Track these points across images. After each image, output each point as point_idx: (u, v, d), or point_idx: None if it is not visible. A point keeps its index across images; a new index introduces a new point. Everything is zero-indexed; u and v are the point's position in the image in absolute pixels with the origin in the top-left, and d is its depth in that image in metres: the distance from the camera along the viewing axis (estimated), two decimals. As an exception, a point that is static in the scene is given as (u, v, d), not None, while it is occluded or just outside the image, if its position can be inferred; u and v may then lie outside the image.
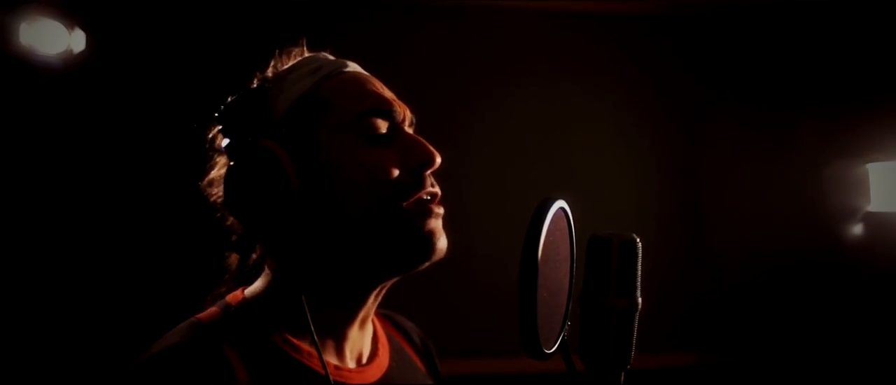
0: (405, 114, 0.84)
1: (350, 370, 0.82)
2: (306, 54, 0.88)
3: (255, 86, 0.84)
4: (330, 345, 0.81)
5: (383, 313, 1.01)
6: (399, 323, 1.03)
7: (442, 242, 0.78)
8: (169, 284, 2.16)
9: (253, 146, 0.74)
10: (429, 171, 0.80)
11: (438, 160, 0.79)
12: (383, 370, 0.87)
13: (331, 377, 0.75)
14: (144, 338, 0.79)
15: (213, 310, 0.81)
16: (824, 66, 2.42)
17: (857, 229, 2.32)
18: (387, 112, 0.80)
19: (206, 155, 0.87)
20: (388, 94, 0.84)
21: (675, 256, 2.39)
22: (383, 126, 0.80)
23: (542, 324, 0.56)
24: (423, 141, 0.80)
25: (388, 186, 0.76)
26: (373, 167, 0.76)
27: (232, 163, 0.76)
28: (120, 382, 0.70)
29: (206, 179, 0.87)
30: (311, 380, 0.76)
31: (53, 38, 2.10)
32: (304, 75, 0.82)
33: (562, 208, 0.60)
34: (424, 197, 0.78)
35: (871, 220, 2.31)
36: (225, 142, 0.82)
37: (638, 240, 0.55)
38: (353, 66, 0.87)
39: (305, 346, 0.78)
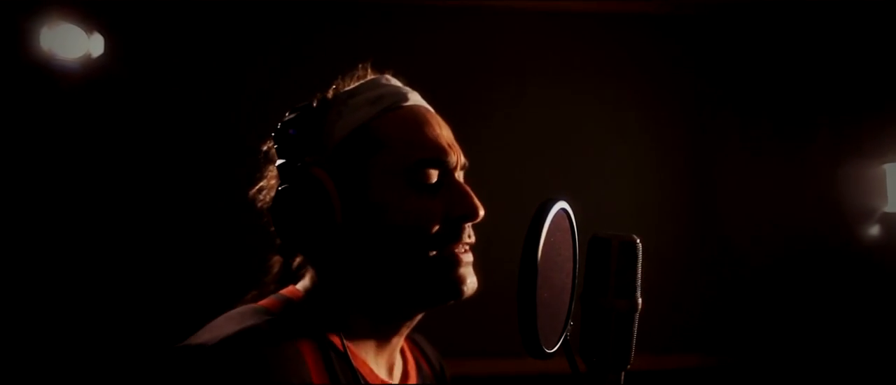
0: (458, 160, 0.84)
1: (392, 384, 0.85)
2: (370, 76, 0.89)
3: (314, 105, 0.84)
4: (372, 358, 0.83)
5: (410, 336, 1.02)
6: (421, 345, 1.05)
7: (469, 285, 0.80)
8: (180, 285, 2.20)
9: (305, 173, 0.77)
10: (470, 223, 0.82)
11: (482, 214, 0.81)
12: None
13: None
14: (165, 334, 0.80)
15: (271, 300, 0.82)
16: (841, 66, 2.40)
17: (874, 230, 2.30)
18: (441, 162, 0.81)
19: (259, 163, 0.89)
20: (444, 138, 0.84)
21: (683, 257, 2.39)
22: (434, 175, 0.81)
23: (544, 323, 0.56)
24: (470, 193, 0.81)
25: (427, 236, 0.78)
26: (417, 217, 0.78)
27: (283, 184, 0.79)
28: (197, 359, 0.68)
29: (256, 188, 0.89)
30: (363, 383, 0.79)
31: (73, 43, 2.14)
32: (362, 104, 0.83)
33: (563, 209, 0.60)
34: (457, 248, 0.80)
35: (889, 221, 2.29)
36: (279, 160, 0.83)
37: (638, 241, 0.56)
38: (413, 99, 0.87)
39: (358, 353, 0.81)
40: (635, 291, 0.55)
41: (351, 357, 0.78)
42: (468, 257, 0.81)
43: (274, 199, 0.79)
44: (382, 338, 0.84)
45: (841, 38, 2.40)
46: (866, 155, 2.31)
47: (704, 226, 2.43)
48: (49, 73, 2.17)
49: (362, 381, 0.79)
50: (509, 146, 2.37)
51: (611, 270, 0.55)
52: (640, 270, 0.56)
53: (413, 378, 0.92)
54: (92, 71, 2.21)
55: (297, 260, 0.87)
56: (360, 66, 0.89)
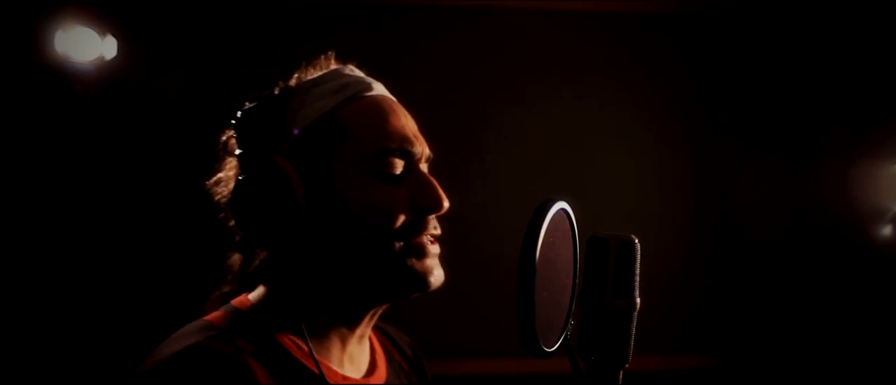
0: (423, 151, 0.83)
1: (355, 380, 0.83)
2: (333, 66, 0.87)
3: (275, 93, 0.83)
4: (335, 355, 0.82)
5: (377, 325, 1.00)
6: (390, 335, 1.04)
7: (435, 278, 0.79)
8: (192, 285, 2.22)
9: (267, 162, 0.75)
10: (434, 215, 0.81)
11: (446, 205, 0.80)
12: (383, 381, 0.88)
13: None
14: (148, 337, 0.79)
15: (219, 313, 0.80)
16: (849, 65, 2.38)
17: (884, 231, 2.28)
18: (406, 152, 0.80)
19: (218, 155, 0.86)
20: (409, 128, 0.82)
21: (688, 258, 2.39)
22: (399, 166, 0.79)
23: (543, 322, 0.57)
24: (435, 184, 0.80)
25: (391, 227, 0.76)
26: (381, 206, 0.76)
27: (243, 174, 0.77)
28: (145, 381, 0.69)
29: (214, 179, 0.86)
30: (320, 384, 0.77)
31: (87, 46, 2.17)
32: (326, 93, 0.81)
33: (563, 209, 0.61)
34: (424, 239, 0.79)
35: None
36: (238, 149, 0.81)
37: (636, 241, 0.56)
38: (378, 89, 0.85)
39: (318, 352, 0.79)
40: (633, 291, 0.55)
41: (304, 357, 0.77)
42: (435, 248, 0.80)
43: (234, 189, 0.77)
44: (346, 333, 0.82)
45: (848, 36, 2.38)
46: (875, 154, 2.29)
47: (709, 226, 2.42)
48: (64, 76, 2.20)
49: (319, 380, 0.77)
50: (512, 146, 2.37)
51: (609, 270, 0.55)
52: (638, 270, 0.56)
53: (381, 369, 0.90)
54: (105, 73, 2.24)
55: (258, 258, 0.84)
56: (322, 56, 0.87)
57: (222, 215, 0.85)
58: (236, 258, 0.88)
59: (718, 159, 2.44)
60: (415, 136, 0.82)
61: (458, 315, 2.14)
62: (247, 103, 0.82)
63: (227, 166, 0.86)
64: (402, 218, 0.77)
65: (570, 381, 0.62)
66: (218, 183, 0.86)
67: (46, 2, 2.16)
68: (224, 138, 0.86)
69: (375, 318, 0.85)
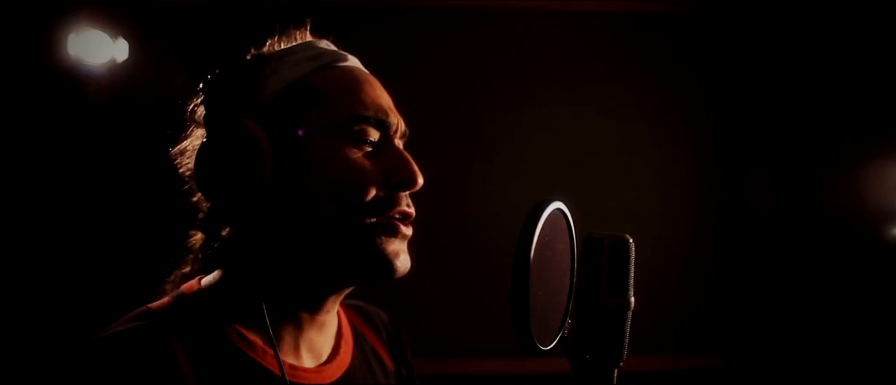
0: (399, 125, 0.80)
1: (307, 370, 0.78)
2: (308, 38, 0.84)
3: (247, 59, 0.79)
4: (287, 342, 0.78)
5: (352, 304, 0.97)
6: (368, 314, 0.99)
7: (402, 263, 0.75)
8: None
9: (234, 124, 0.71)
10: (407, 192, 0.77)
11: (420, 182, 0.76)
12: (343, 369, 0.83)
13: (286, 377, 0.73)
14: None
15: (165, 299, 0.78)
16: (857, 64, 2.37)
17: (892, 231, 2.26)
18: (381, 122, 0.76)
19: (183, 125, 0.83)
20: (385, 100, 0.79)
21: (696, 258, 2.39)
22: (374, 135, 0.76)
23: (539, 321, 0.58)
24: (410, 159, 0.77)
25: (361, 199, 0.72)
26: (352, 176, 0.73)
27: (208, 136, 0.74)
28: (60, 365, 0.68)
29: (178, 147, 0.83)
30: (264, 378, 0.73)
31: (99, 49, 2.20)
32: (301, 60, 0.78)
33: (559, 209, 0.61)
34: (395, 217, 0.75)
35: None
36: (203, 113, 0.77)
37: (630, 240, 0.57)
38: (353, 61, 0.83)
39: (260, 343, 0.75)
40: (628, 290, 0.56)
41: (246, 347, 0.73)
42: (407, 229, 0.76)
43: (198, 152, 0.72)
44: (305, 318, 0.78)
45: (852, 36, 2.36)
46: (880, 154, 2.28)
47: (713, 226, 2.42)
48: (76, 79, 2.23)
49: (262, 374, 0.73)
50: (515, 146, 2.37)
51: (603, 269, 0.56)
52: (632, 270, 0.57)
53: (344, 356, 0.85)
54: (117, 75, 2.27)
55: (217, 241, 0.80)
56: (294, 29, 0.85)
57: (186, 188, 0.82)
58: (198, 238, 0.84)
59: (721, 159, 2.44)
60: (390, 108, 0.79)
61: (459, 314, 2.14)
62: (216, 69, 0.79)
63: (193, 136, 0.82)
64: (372, 192, 0.73)
65: (568, 380, 0.63)
66: (182, 153, 0.82)
67: (59, 5, 2.19)
68: (191, 106, 0.83)
69: (337, 302, 0.81)
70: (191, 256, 0.85)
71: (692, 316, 2.35)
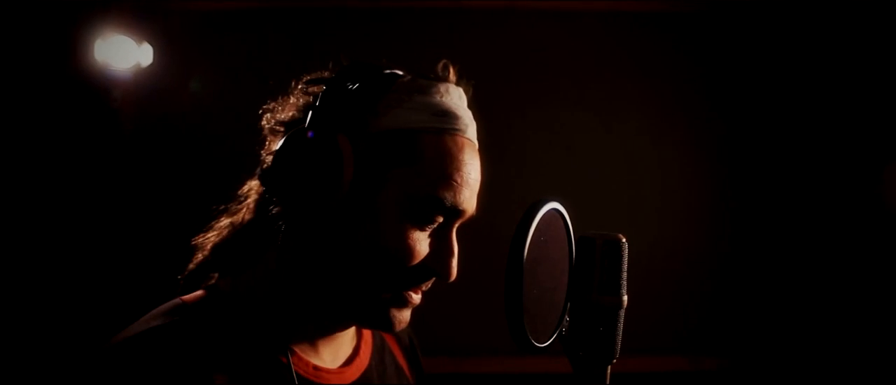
0: (467, 213, 0.79)
1: (329, 370, 0.81)
2: (452, 78, 0.82)
3: (385, 73, 0.78)
4: (310, 343, 0.81)
5: None
6: None
7: (400, 324, 0.78)
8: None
9: (332, 137, 0.71)
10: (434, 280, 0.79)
11: (451, 280, 0.77)
12: (362, 370, 0.86)
13: (310, 378, 0.77)
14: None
15: (199, 292, 0.80)
16: (861, 64, 2.33)
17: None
18: (454, 212, 0.76)
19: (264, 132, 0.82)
20: (472, 188, 0.78)
21: (704, 260, 2.38)
22: (440, 220, 0.76)
23: (534, 318, 0.59)
24: (455, 254, 0.77)
25: (398, 271, 0.74)
26: (403, 249, 0.74)
27: (304, 136, 0.73)
28: (94, 360, 0.69)
29: (273, 105, 0.82)
30: (290, 378, 0.75)
31: (124, 53, 2.25)
32: (423, 107, 0.76)
33: (555, 209, 0.63)
34: (411, 294, 0.77)
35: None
36: (312, 116, 0.75)
37: (623, 240, 0.58)
38: (471, 133, 0.80)
39: (286, 343, 0.78)
40: (620, 289, 0.57)
41: (273, 346, 0.76)
42: (416, 298, 0.78)
43: (289, 142, 0.72)
44: (327, 322, 0.81)
45: (856, 35, 2.33)
46: (883, 153, 2.25)
47: (717, 227, 2.41)
48: (103, 84, 2.28)
49: (286, 374, 0.75)
50: (524, 147, 2.39)
51: (596, 268, 0.57)
52: (625, 269, 0.58)
53: (364, 356, 0.88)
54: (142, 80, 2.32)
55: (274, 212, 0.78)
56: (443, 62, 0.83)
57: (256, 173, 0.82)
58: (254, 187, 0.85)
59: (727, 160, 2.43)
60: (470, 200, 0.78)
61: (461, 314, 2.16)
62: (349, 84, 0.77)
63: (294, 104, 0.81)
64: (411, 267, 0.75)
65: (567, 379, 0.64)
66: (276, 111, 0.81)
67: (87, 11, 2.25)
68: (302, 92, 0.81)
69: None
70: (243, 207, 0.85)
71: (695, 317, 2.35)
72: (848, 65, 2.33)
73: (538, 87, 2.42)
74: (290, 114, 0.80)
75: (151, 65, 2.30)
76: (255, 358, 0.75)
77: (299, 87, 0.81)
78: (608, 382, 0.58)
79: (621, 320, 0.58)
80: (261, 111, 0.83)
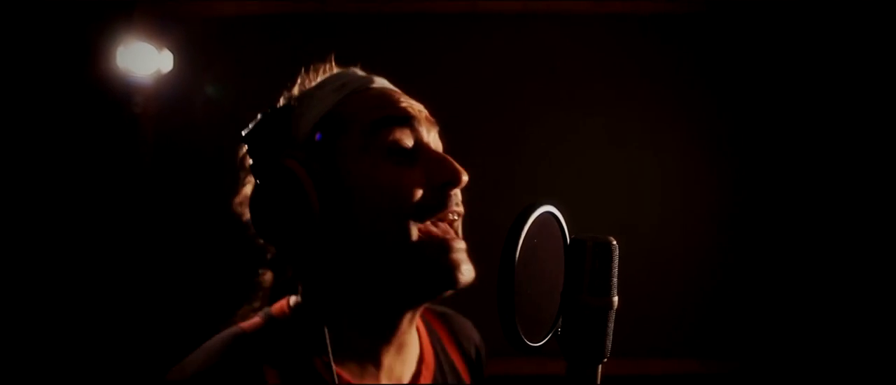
0: (432, 129, 0.80)
1: None
2: (335, 70, 0.87)
3: (281, 105, 0.82)
4: (368, 369, 0.79)
5: (439, 312, 0.97)
6: (455, 326, 0.98)
7: (465, 273, 0.75)
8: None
9: (275, 166, 0.73)
10: (454, 190, 0.77)
11: (465, 179, 0.76)
12: None
13: None
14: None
15: (256, 320, 0.81)
16: (864, 66, 2.31)
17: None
18: (405, 120, 0.76)
19: (238, 175, 0.87)
20: (413, 107, 0.79)
21: (710, 263, 2.37)
22: (406, 138, 0.76)
23: (529, 319, 0.61)
24: (450, 159, 0.77)
25: (405, 204, 0.73)
26: (391, 185, 0.73)
27: (256, 183, 0.76)
28: None
29: (239, 199, 0.87)
30: None
31: (145, 60, 2.31)
32: (328, 93, 0.80)
33: (549, 212, 0.64)
34: (450, 217, 0.76)
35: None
36: (250, 162, 0.80)
37: (613, 242, 0.59)
38: (380, 82, 0.84)
39: (345, 373, 0.77)
40: (610, 290, 0.58)
41: (331, 377, 0.74)
42: (459, 244, 0.76)
43: (250, 199, 0.75)
44: (381, 345, 0.80)
45: (859, 36, 2.31)
46: (886, 155, 2.22)
47: (720, 230, 2.40)
48: (125, 90, 2.34)
49: None
50: (525, 148, 2.41)
51: (586, 270, 0.58)
52: (615, 271, 0.59)
53: (426, 377, 0.86)
54: (163, 86, 2.37)
55: (289, 274, 0.83)
56: (325, 63, 0.87)
57: (252, 233, 0.83)
58: (268, 276, 0.87)
59: (733, 161, 2.42)
60: (418, 112, 0.79)
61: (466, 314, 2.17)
62: (258, 116, 0.81)
63: (249, 184, 0.85)
64: (418, 194, 0.73)
65: (559, 380, 0.65)
66: (242, 204, 0.86)
67: (110, 20, 2.31)
68: (240, 155, 0.86)
69: (413, 322, 0.82)
70: (260, 293, 0.88)
71: (694, 319, 2.35)
72: (851, 66, 2.32)
73: (542, 89, 2.44)
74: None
75: (171, 71, 2.36)
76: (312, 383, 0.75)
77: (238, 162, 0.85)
78: (599, 381, 0.59)
79: (611, 321, 0.59)
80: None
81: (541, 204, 0.63)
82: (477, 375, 0.98)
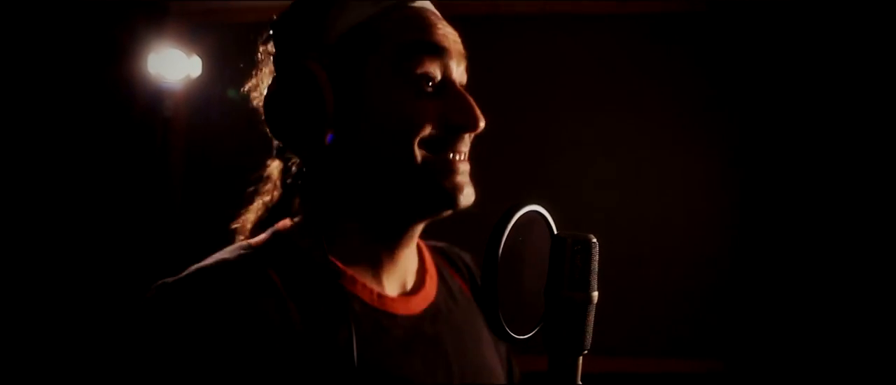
0: (462, 62, 0.79)
1: (393, 298, 0.81)
2: None
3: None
4: (370, 273, 0.80)
5: (434, 246, 0.98)
6: (451, 255, 0.99)
7: (466, 195, 0.76)
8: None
9: (298, 66, 0.74)
10: (469, 135, 0.77)
11: (482, 125, 0.76)
12: (429, 301, 0.85)
13: (374, 305, 0.78)
14: None
15: (262, 236, 0.82)
16: (867, 67, 2.27)
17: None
18: (437, 50, 0.75)
19: (257, 62, 0.85)
20: (448, 38, 0.77)
21: (712, 263, 2.37)
22: (434, 70, 0.75)
23: (515, 312, 0.64)
24: (472, 102, 0.76)
25: (414, 136, 0.74)
26: (406, 114, 0.74)
27: (275, 77, 0.76)
28: (165, 293, 0.71)
29: (247, 85, 0.86)
30: (354, 304, 0.76)
31: (176, 66, 2.39)
32: (365, 2, 0.77)
33: (536, 211, 0.67)
34: (451, 156, 0.76)
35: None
36: (274, 55, 0.79)
37: (593, 239, 0.62)
38: (423, 2, 0.80)
39: (349, 272, 0.78)
40: (589, 285, 0.61)
41: (339, 277, 0.75)
42: (464, 166, 0.77)
43: (266, 93, 0.76)
44: (383, 252, 0.81)
45: (862, 37, 2.27)
46: (885, 154, 2.19)
47: (720, 230, 2.40)
48: (156, 95, 2.42)
49: (351, 300, 0.76)
50: (526, 149, 2.44)
51: (567, 265, 0.61)
52: (595, 267, 0.61)
53: (430, 287, 0.87)
54: (192, 91, 2.46)
55: (293, 164, 0.83)
56: None
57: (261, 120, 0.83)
58: (275, 166, 0.88)
59: (736, 163, 2.39)
60: (454, 41, 0.78)
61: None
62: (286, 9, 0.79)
63: (263, 73, 0.84)
64: (428, 129, 0.74)
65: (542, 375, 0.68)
66: (254, 89, 0.85)
67: (142, 27, 2.40)
68: (261, 44, 0.84)
69: (414, 239, 0.83)
70: (270, 185, 0.89)
71: (691, 319, 2.34)
72: (852, 65, 2.30)
73: (542, 89, 2.45)
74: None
75: (200, 76, 2.43)
76: (318, 287, 0.76)
77: (260, 49, 0.84)
78: (579, 374, 0.62)
79: (591, 315, 0.61)
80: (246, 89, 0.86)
81: (524, 204, 0.66)
82: (476, 292, 0.98)
